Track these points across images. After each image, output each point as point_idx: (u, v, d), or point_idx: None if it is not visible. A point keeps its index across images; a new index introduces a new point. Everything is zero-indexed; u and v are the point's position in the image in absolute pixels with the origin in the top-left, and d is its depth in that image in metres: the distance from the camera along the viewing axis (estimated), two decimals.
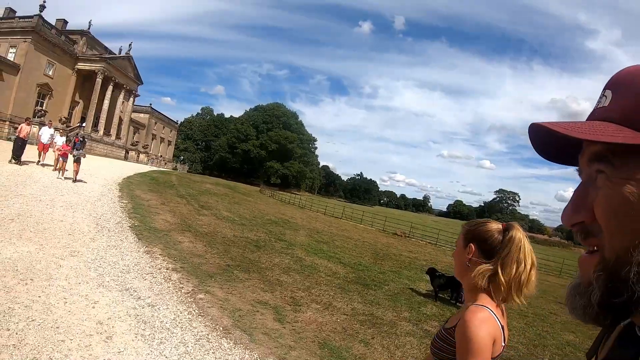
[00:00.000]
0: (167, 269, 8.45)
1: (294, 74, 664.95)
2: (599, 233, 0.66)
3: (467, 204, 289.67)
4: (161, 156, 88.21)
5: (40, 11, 53.18)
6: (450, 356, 1.76)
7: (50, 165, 21.53)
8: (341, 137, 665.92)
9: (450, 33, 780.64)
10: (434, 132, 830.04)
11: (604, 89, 0.72)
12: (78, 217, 11.44)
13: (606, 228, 0.64)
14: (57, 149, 20.11)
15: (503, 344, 1.73)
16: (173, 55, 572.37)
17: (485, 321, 1.67)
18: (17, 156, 20.07)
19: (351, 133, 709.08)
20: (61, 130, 23.39)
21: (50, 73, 56.21)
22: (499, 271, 1.74)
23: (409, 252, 23.99)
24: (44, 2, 53.94)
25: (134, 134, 79.81)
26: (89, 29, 64.46)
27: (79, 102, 62.43)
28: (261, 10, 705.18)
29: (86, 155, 20.14)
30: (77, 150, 18.93)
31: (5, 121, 49.16)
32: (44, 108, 52.57)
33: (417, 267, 16.96)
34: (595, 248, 0.68)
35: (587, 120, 0.73)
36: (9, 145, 22.57)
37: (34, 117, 50.69)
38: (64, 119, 53.21)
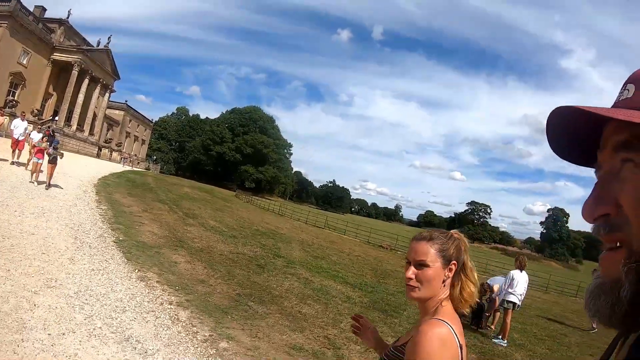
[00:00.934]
0: (170, 304, 6.85)
1: (271, 79, 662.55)
2: (624, 226, 0.63)
3: (437, 215, 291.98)
4: (135, 155, 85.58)
5: None
6: None
7: (24, 165, 18.71)
8: (315, 144, 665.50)
9: (428, 45, 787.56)
10: (408, 142, 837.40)
11: (625, 84, 0.71)
12: (52, 229, 9.73)
13: (636, 219, 0.61)
14: (33, 146, 17.25)
15: None
16: (150, 52, 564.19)
17: (443, 339, 1.53)
18: None
19: (325, 140, 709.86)
20: (37, 126, 21.25)
21: (25, 62, 53.55)
22: (464, 283, 1.73)
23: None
24: None
25: (108, 130, 77.24)
26: (67, 18, 61.78)
27: (52, 95, 59.69)
28: (242, 13, 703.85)
29: (63, 154, 16.96)
30: (53, 149, 15.99)
31: None
32: (15, 98, 49.78)
33: None
34: (618, 244, 0.64)
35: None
36: None
37: (4, 107, 48.24)
38: (36, 111, 50.48)
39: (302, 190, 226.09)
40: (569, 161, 0.79)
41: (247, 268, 11.42)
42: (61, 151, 16.50)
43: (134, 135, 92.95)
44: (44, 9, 61.65)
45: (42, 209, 11.50)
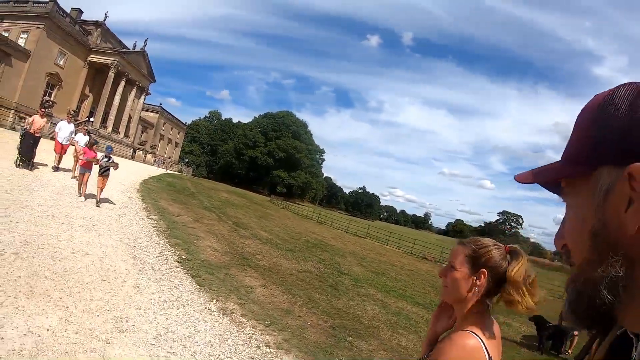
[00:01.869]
0: (268, 346, 5.75)
1: (300, 84, 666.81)
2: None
3: (467, 223, 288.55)
4: (169, 158, 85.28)
5: None
6: None
7: (68, 172, 17.07)
8: (343, 150, 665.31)
9: (458, 52, 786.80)
10: (436, 149, 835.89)
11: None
12: (106, 245, 8.45)
13: (570, 247, 0.78)
14: (80, 155, 15.12)
15: None
16: (181, 56, 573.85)
17: (468, 351, 1.47)
18: (26, 158, 15.21)
19: (354, 146, 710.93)
20: (83, 127, 18.83)
21: (61, 63, 53.37)
22: (509, 296, 1.59)
23: None
24: None
25: (142, 133, 77.00)
26: (104, 20, 61.63)
27: (88, 96, 59.54)
28: (271, 19, 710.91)
29: (118, 165, 13.90)
30: (105, 158, 13.17)
31: (10, 109, 46.43)
32: (52, 99, 49.36)
33: None
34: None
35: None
36: (15, 136, 19.33)
37: (41, 107, 47.69)
38: (72, 111, 49.31)
39: (331, 196, 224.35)
40: (558, 194, 0.87)
41: (322, 290, 10.64)
42: (115, 161, 13.70)
43: (168, 138, 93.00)
44: (81, 11, 61.59)
45: (91, 220, 10.26)
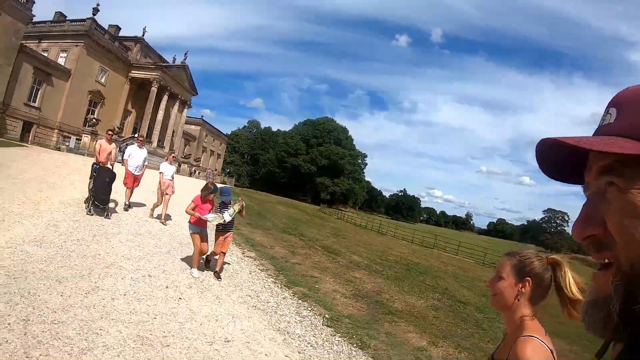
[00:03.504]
0: None
1: (333, 89, 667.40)
2: (612, 245, 0.68)
3: (508, 222, 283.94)
4: (215, 170, 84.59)
5: (94, 14, 50.28)
6: None
7: (140, 206, 14.56)
8: (379, 152, 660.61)
9: (488, 46, 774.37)
10: (473, 147, 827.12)
11: (608, 107, 0.75)
12: (238, 317, 6.71)
13: (620, 238, 0.66)
14: (165, 189, 13.18)
15: None
16: (213, 68, 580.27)
17: (539, 351, 1.60)
18: (101, 202, 11.37)
19: (390, 148, 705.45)
20: (170, 155, 15.26)
21: (103, 80, 52.96)
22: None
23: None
24: (97, 5, 50.57)
25: (185, 146, 76.14)
26: (143, 35, 61.34)
27: (131, 112, 59.14)
28: (299, 26, 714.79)
29: (244, 207, 9.00)
30: (222, 198, 8.80)
31: (53, 129, 45.91)
32: (96, 116, 48.59)
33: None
34: (607, 261, 0.70)
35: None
36: (62, 157, 17.54)
37: (85, 125, 46.98)
38: (116, 128, 48.93)
39: (371, 200, 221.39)
40: (559, 180, 0.84)
41: (474, 333, 9.54)
42: (241, 202, 8.90)
43: (210, 150, 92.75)
44: (119, 28, 61.63)
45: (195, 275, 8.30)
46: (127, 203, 13.66)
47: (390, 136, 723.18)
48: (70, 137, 45.46)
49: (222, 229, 8.75)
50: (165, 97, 60.51)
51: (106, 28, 55.92)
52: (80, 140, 44.25)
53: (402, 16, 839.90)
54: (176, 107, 65.31)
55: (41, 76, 44.20)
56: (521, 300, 1.78)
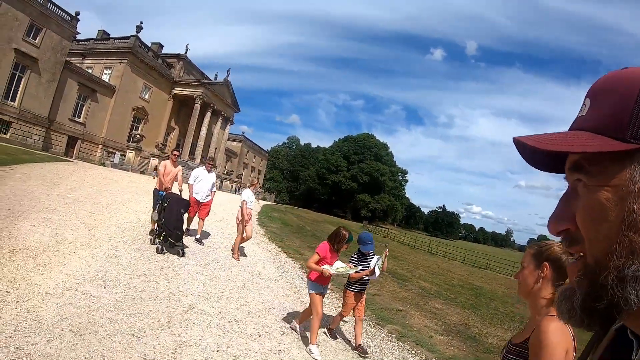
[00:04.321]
0: None
1: (369, 104, 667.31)
2: (581, 240, 0.68)
3: (550, 239, 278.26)
4: (261, 187, 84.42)
5: (137, 32, 50.47)
6: None
7: (206, 237, 12.44)
8: (416, 168, 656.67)
9: (524, 58, 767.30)
10: (511, 161, 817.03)
11: (585, 98, 0.74)
12: None
13: (585, 234, 0.66)
14: (244, 218, 10.76)
15: (574, 354, 1.74)
16: (251, 85, 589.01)
17: (560, 331, 1.70)
18: (174, 237, 9.28)
19: (426, 163, 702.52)
20: (255, 182, 11.68)
21: (146, 96, 53.15)
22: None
23: None
24: (141, 23, 50.80)
25: (226, 162, 75.97)
26: (185, 53, 61.28)
27: (174, 128, 59.03)
28: (333, 42, 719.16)
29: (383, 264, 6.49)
30: (364, 245, 6.52)
31: (98, 145, 45.89)
32: (139, 132, 48.48)
33: None
34: (580, 254, 0.70)
35: (569, 129, 0.74)
36: (109, 174, 16.53)
37: (129, 141, 46.89)
38: (160, 144, 48.80)
39: (410, 216, 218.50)
40: (544, 170, 0.81)
41: None
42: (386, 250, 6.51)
43: (251, 166, 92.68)
44: (161, 45, 61.73)
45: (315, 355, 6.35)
46: (188, 228, 11.66)
47: (427, 152, 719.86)
48: (114, 153, 45.47)
49: (359, 288, 6.52)
50: (208, 114, 60.43)
51: (149, 46, 56.24)
52: (125, 155, 44.13)
53: (436, 30, 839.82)
54: (219, 123, 65.15)
55: (86, 92, 44.55)
56: (542, 284, 1.89)
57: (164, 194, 10.12)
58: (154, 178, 37.00)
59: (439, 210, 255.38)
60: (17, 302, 4.71)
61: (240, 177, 76.98)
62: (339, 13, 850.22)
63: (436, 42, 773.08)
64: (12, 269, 5.73)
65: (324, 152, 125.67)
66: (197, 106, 57.48)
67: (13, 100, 37.43)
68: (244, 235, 10.94)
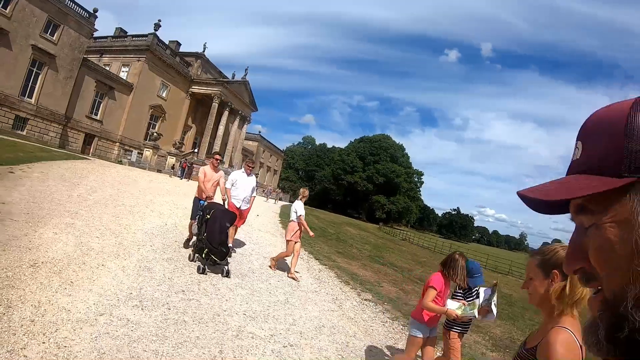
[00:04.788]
0: None
1: (383, 106, 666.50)
2: (597, 276, 0.70)
3: (566, 244, 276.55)
4: (278, 189, 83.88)
5: (155, 30, 49.90)
6: None
7: (245, 246, 11.70)
8: (430, 170, 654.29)
9: (539, 60, 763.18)
10: (525, 165, 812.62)
11: (576, 140, 0.77)
12: None
13: (601, 271, 0.68)
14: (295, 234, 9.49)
15: None
16: (266, 85, 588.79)
17: (568, 343, 1.69)
18: (221, 255, 8.01)
19: (440, 166, 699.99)
20: (303, 193, 10.19)
21: (164, 94, 52.69)
22: (568, 290, 1.82)
23: None
24: (159, 20, 50.31)
25: (243, 161, 75.21)
26: (203, 51, 60.91)
27: (191, 127, 58.63)
28: (348, 44, 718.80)
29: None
30: (474, 278, 5.15)
31: (115, 142, 45.46)
32: (157, 130, 47.99)
33: None
34: (599, 288, 0.71)
35: (566, 174, 0.78)
36: (127, 172, 15.78)
37: (146, 139, 46.36)
38: (177, 143, 48.27)
39: (423, 218, 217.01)
40: (552, 214, 0.83)
41: None
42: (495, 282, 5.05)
43: (267, 166, 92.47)
44: (179, 44, 61.30)
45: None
46: (231, 246, 9.64)
47: (441, 154, 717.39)
48: (131, 151, 45.15)
49: (463, 329, 5.37)
50: (226, 113, 59.77)
51: (167, 43, 55.70)
52: (142, 153, 43.78)
53: (451, 32, 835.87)
54: (236, 122, 64.65)
55: (103, 89, 44.23)
56: (551, 293, 1.85)
57: (205, 203, 9.09)
58: (170, 177, 36.88)
59: (453, 212, 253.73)
60: (44, 335, 3.86)
61: (257, 177, 76.42)
62: (354, 15, 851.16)
63: (451, 43, 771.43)
64: (35, 289, 4.88)
65: (340, 153, 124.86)
66: (215, 105, 56.85)
67: (30, 97, 37.10)
68: (290, 252, 9.57)
